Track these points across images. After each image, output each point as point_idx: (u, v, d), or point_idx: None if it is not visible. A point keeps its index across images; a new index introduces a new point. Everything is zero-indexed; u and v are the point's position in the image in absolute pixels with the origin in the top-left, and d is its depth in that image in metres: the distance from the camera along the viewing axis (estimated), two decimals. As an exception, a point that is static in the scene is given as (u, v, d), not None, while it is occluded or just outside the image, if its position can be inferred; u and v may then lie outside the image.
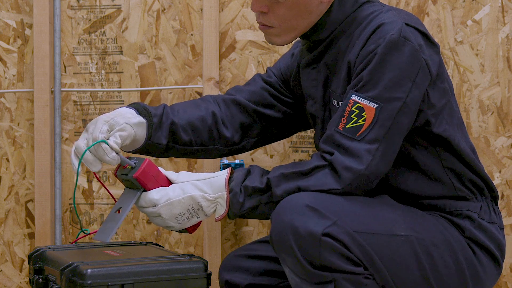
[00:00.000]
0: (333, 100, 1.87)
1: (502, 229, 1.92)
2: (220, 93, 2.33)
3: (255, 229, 2.38)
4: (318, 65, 1.92)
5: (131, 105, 1.93)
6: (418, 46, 1.77)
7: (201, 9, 2.36)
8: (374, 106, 1.75)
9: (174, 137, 1.98)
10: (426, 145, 1.85)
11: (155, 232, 2.39)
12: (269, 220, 1.79)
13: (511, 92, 2.33)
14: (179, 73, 2.38)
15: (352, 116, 1.76)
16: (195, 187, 1.81)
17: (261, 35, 2.35)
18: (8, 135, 2.39)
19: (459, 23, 2.33)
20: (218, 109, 2.04)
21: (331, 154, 1.76)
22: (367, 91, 1.75)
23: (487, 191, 1.91)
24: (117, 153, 1.81)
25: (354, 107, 1.76)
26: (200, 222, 1.86)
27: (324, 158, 1.77)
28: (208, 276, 1.80)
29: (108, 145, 1.79)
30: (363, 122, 1.75)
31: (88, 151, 1.79)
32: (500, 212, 1.95)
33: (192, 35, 2.38)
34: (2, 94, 2.39)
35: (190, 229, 1.87)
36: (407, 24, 1.78)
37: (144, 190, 1.83)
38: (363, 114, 1.75)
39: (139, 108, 1.93)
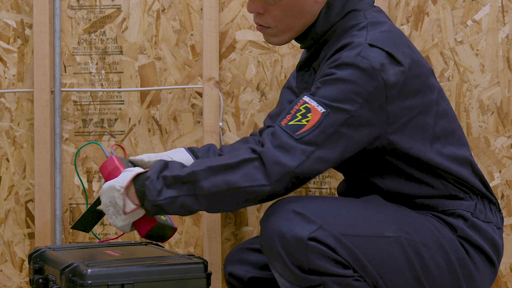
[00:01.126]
0: None
1: (499, 228, 1.90)
2: (220, 93, 2.34)
3: (255, 229, 2.38)
4: (309, 69, 1.95)
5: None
6: (380, 65, 1.75)
7: (201, 9, 2.36)
8: (321, 110, 1.74)
9: None
10: (399, 164, 1.84)
11: (155, 232, 2.39)
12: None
13: (511, 92, 2.33)
14: (179, 73, 2.38)
15: (297, 114, 1.75)
16: (126, 173, 1.80)
17: (261, 35, 2.35)
18: (8, 135, 2.39)
19: (459, 23, 2.33)
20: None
21: (263, 145, 1.74)
22: (319, 95, 1.75)
23: (484, 190, 1.90)
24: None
25: (302, 106, 1.76)
26: (149, 226, 1.84)
27: (253, 150, 1.75)
28: (208, 276, 1.80)
29: (102, 146, 1.90)
30: (306, 123, 1.74)
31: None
32: (500, 212, 1.93)
33: (192, 35, 2.38)
34: (2, 94, 2.39)
35: (141, 230, 1.84)
36: (370, 45, 1.78)
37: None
38: (308, 115, 1.74)
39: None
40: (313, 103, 1.74)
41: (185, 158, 2.00)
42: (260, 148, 1.74)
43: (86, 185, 2.39)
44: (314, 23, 1.88)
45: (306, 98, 1.76)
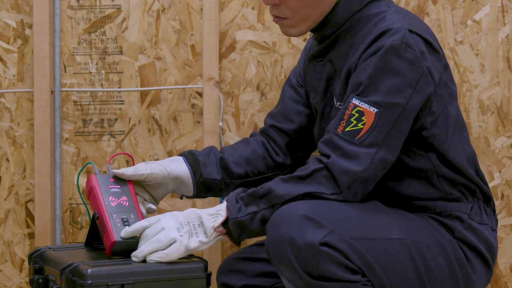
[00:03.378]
0: (334, 98, 1.88)
1: (494, 230, 1.90)
2: (220, 93, 2.34)
3: (255, 229, 2.38)
4: (323, 59, 1.93)
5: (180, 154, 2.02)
6: (420, 53, 1.76)
7: (201, 9, 2.36)
8: (374, 110, 1.74)
9: (227, 172, 2.01)
10: (419, 152, 1.84)
11: (155, 232, 2.39)
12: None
13: (511, 92, 2.33)
14: (179, 73, 2.38)
15: (351, 119, 1.75)
16: (195, 209, 1.82)
17: (261, 35, 2.35)
18: (8, 135, 2.39)
19: (459, 23, 2.33)
20: (264, 139, 2.08)
21: (328, 157, 1.75)
22: (367, 96, 1.75)
23: (480, 193, 1.90)
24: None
25: (354, 110, 1.75)
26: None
27: (321, 161, 1.76)
28: (208, 276, 1.80)
29: (93, 165, 1.93)
30: (362, 126, 1.74)
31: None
32: (494, 214, 1.93)
33: (192, 35, 2.38)
34: (2, 94, 2.39)
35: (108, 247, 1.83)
36: (410, 31, 1.78)
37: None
38: (362, 118, 1.75)
39: (184, 154, 2.00)
40: (364, 106, 1.75)
41: (181, 169, 1.97)
42: (326, 159, 1.75)
43: (86, 185, 2.40)
44: (331, 12, 1.87)
45: (355, 101, 1.75)
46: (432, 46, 1.80)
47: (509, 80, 2.33)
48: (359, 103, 1.75)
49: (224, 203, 1.79)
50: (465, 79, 2.33)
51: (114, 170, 1.91)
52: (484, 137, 2.32)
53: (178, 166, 1.97)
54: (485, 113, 2.33)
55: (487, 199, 1.92)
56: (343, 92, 1.84)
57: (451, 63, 2.33)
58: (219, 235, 1.79)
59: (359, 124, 1.75)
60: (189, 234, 1.77)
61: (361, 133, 1.74)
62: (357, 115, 1.75)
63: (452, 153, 1.85)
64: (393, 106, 1.74)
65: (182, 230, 1.77)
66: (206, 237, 1.78)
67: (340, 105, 1.85)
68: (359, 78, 1.77)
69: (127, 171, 1.89)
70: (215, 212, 1.79)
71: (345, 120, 1.76)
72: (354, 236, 1.70)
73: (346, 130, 1.75)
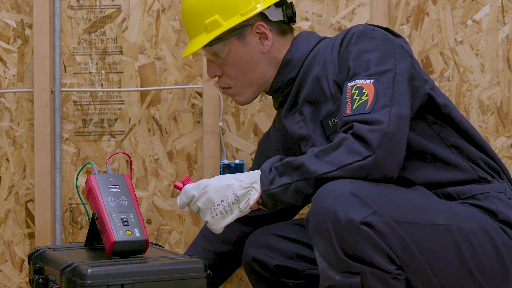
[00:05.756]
0: (330, 123, 1.90)
1: None
2: (220, 93, 2.33)
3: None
4: (297, 107, 1.97)
5: None
6: (386, 33, 1.87)
7: (201, 9, 2.36)
8: (371, 81, 1.78)
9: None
10: (438, 127, 1.87)
11: (155, 232, 2.39)
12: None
13: (511, 92, 2.33)
14: (179, 73, 2.38)
15: (354, 97, 1.78)
16: (232, 177, 1.82)
17: (261, 35, 2.36)
18: (8, 135, 2.39)
19: (459, 23, 2.33)
20: None
21: (351, 127, 1.76)
22: (358, 74, 1.81)
23: (503, 174, 1.90)
24: None
25: (353, 90, 1.79)
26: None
27: (346, 133, 1.77)
28: (208, 276, 1.80)
29: (93, 165, 1.93)
30: (366, 98, 1.77)
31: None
32: None
33: (192, 35, 2.38)
34: (2, 94, 2.39)
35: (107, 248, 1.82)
36: (368, 24, 1.90)
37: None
38: (363, 91, 1.78)
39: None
40: (360, 81, 1.79)
41: None
42: (350, 130, 1.76)
43: (86, 185, 2.40)
44: (284, 61, 1.96)
45: (351, 83, 1.80)
46: (393, 32, 1.90)
47: (509, 80, 2.33)
48: (355, 82, 1.80)
49: (258, 173, 1.80)
50: (465, 79, 2.33)
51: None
52: (484, 137, 2.32)
53: None
54: (485, 113, 2.33)
55: (509, 180, 1.92)
56: (336, 97, 1.88)
57: (451, 63, 2.33)
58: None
59: (363, 97, 1.77)
60: (222, 215, 1.81)
61: (369, 103, 1.76)
62: (357, 91, 1.78)
63: (466, 123, 1.89)
64: (385, 72, 1.79)
65: (215, 211, 1.81)
66: (240, 211, 1.81)
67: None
68: (346, 68, 1.84)
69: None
70: (249, 186, 1.80)
71: (349, 102, 1.78)
72: (398, 219, 1.69)
73: (354, 108, 1.77)
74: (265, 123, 2.37)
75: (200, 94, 2.37)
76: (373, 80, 1.78)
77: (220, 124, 2.35)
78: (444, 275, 1.73)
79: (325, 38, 1.99)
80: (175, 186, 1.88)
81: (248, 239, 2.09)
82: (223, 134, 2.37)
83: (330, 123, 1.90)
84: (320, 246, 1.68)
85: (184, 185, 1.86)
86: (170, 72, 2.38)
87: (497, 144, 2.33)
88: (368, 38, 1.84)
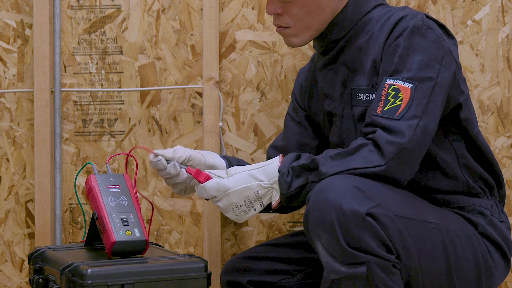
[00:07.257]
0: (358, 96, 1.91)
1: (510, 229, 1.94)
2: (220, 93, 2.34)
3: (255, 229, 2.38)
4: (334, 66, 1.97)
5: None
6: (440, 34, 1.85)
7: (201, 9, 2.36)
8: (409, 86, 1.79)
9: None
10: (452, 137, 1.89)
11: (155, 232, 2.39)
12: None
13: (511, 92, 2.33)
14: (179, 73, 2.38)
15: (389, 98, 1.79)
16: (251, 176, 1.85)
17: (261, 35, 2.35)
18: (8, 135, 2.39)
19: (459, 23, 2.33)
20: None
21: (374, 132, 1.79)
22: (400, 73, 1.81)
23: (496, 191, 1.95)
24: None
25: (390, 89, 1.80)
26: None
27: (367, 138, 1.80)
28: (208, 276, 1.80)
29: (92, 165, 1.95)
30: (400, 102, 1.78)
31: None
32: (506, 214, 1.97)
33: (192, 35, 2.38)
34: (2, 94, 2.39)
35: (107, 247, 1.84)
36: (427, 16, 1.87)
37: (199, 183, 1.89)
38: (399, 94, 1.79)
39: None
40: (398, 83, 1.80)
41: (216, 159, 2.03)
42: (371, 135, 1.78)
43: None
44: (339, 16, 1.93)
45: (390, 81, 1.81)
46: (447, 31, 1.89)
47: (509, 80, 2.33)
48: (394, 82, 1.80)
49: (275, 170, 1.84)
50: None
51: (156, 151, 1.93)
52: (484, 137, 2.32)
53: (213, 157, 2.03)
54: (485, 113, 2.33)
55: (502, 196, 1.97)
56: (373, 83, 1.88)
57: (451, 63, 2.33)
58: None
59: (397, 101, 1.79)
60: (244, 212, 1.87)
61: (401, 109, 1.78)
62: (393, 93, 1.80)
63: (480, 138, 1.92)
64: (426, 80, 1.80)
65: (237, 210, 1.86)
66: (262, 206, 1.87)
67: (367, 96, 1.89)
68: (390, 61, 1.84)
69: (166, 153, 1.93)
70: (269, 186, 1.85)
71: (382, 101, 1.80)
72: (397, 213, 1.72)
73: (385, 109, 1.79)
74: (265, 123, 2.37)
75: (200, 94, 2.37)
76: (412, 85, 1.79)
77: (220, 124, 2.35)
78: (428, 273, 1.77)
79: (381, 4, 1.96)
80: (187, 171, 1.91)
81: (222, 268, 2.15)
82: (223, 134, 2.37)
83: (357, 96, 1.92)
84: (323, 239, 1.70)
85: (195, 173, 1.88)
86: (170, 72, 2.38)
87: (497, 144, 2.33)
88: (421, 37, 1.83)
